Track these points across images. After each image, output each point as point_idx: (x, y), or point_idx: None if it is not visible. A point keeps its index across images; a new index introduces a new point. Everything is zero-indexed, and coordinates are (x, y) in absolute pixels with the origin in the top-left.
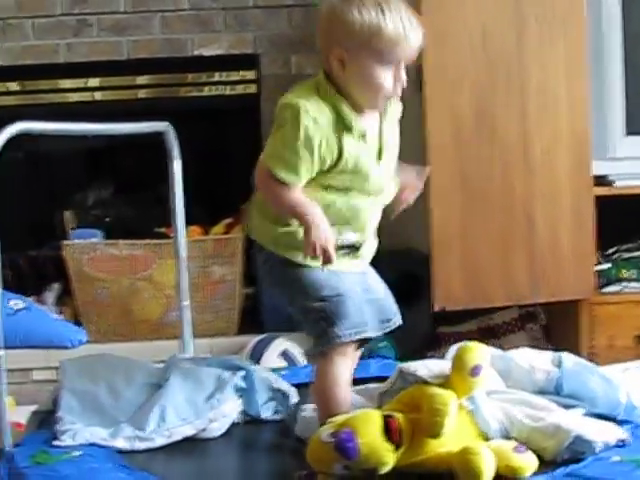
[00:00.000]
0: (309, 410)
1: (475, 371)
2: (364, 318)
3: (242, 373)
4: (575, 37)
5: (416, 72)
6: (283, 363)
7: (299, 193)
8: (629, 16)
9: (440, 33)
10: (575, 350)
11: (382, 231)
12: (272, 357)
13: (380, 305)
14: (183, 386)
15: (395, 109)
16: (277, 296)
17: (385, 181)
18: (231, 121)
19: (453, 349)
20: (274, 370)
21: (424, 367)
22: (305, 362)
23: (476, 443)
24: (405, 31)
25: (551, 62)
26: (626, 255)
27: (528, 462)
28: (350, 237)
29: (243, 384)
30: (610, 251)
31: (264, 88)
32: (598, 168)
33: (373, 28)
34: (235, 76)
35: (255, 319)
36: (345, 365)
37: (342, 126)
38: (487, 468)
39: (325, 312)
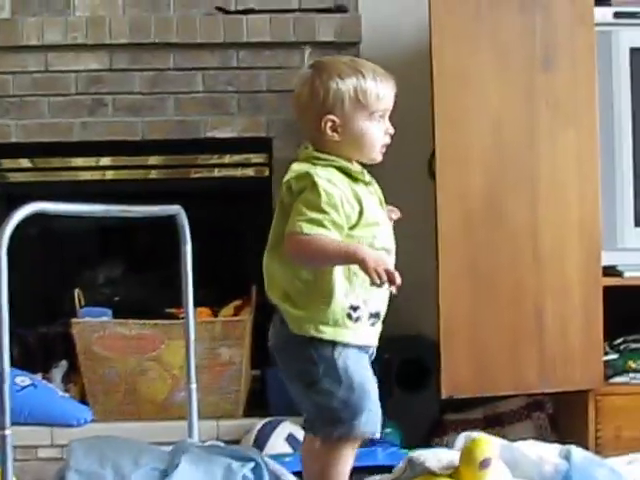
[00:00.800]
0: None
1: (484, 464)
2: (379, 413)
3: (251, 465)
4: (586, 126)
5: (428, 159)
6: (289, 447)
7: (331, 239)
8: None
9: (452, 120)
10: (582, 440)
11: (391, 316)
12: (278, 441)
13: None
14: (192, 474)
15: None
16: (294, 379)
17: (391, 233)
18: (242, 204)
19: (461, 438)
20: (279, 456)
21: (433, 458)
22: None
23: None
24: (384, 85)
25: (562, 150)
26: (634, 346)
27: None
28: (375, 306)
29: (252, 476)
30: (618, 341)
31: (276, 172)
32: (607, 258)
33: (359, 91)
34: (247, 159)
35: (261, 401)
36: (352, 457)
37: (351, 179)
38: None
39: (349, 403)
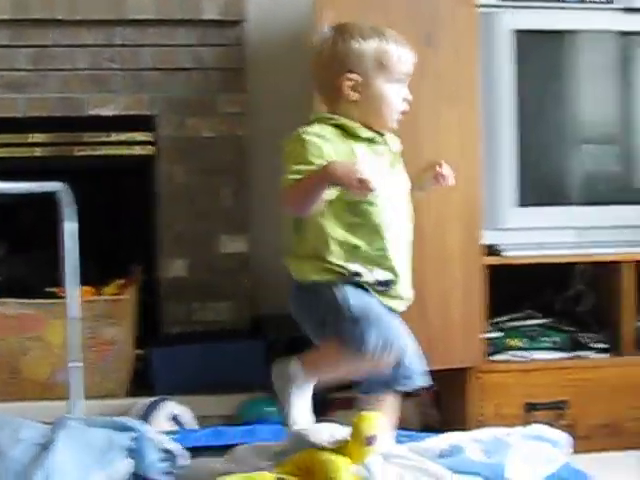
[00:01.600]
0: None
1: (370, 440)
2: (397, 332)
3: (132, 434)
4: (468, 105)
5: None
6: (173, 426)
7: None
8: (522, 88)
9: None
10: (463, 417)
11: (271, 296)
12: (162, 420)
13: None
14: (71, 448)
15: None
16: (312, 324)
17: (402, 200)
18: (126, 182)
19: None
20: (164, 433)
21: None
22: (196, 426)
23: None
24: (405, 50)
25: (445, 129)
26: (515, 324)
27: None
28: (383, 275)
29: (133, 445)
30: (499, 319)
31: (160, 149)
32: (489, 238)
33: (381, 51)
34: (131, 137)
35: (145, 381)
36: (356, 369)
37: (349, 136)
38: None
39: (355, 319)
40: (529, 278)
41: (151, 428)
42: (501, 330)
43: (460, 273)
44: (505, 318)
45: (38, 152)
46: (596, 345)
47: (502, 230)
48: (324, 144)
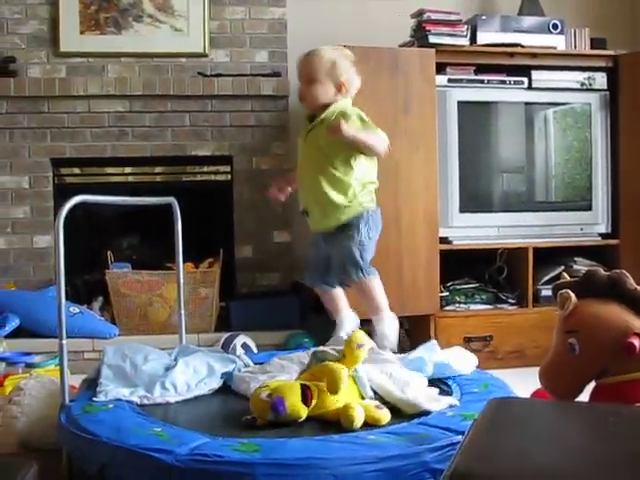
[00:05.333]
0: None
1: (359, 346)
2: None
3: (232, 365)
4: (429, 151)
5: None
6: (243, 350)
7: None
8: (463, 138)
9: None
10: None
11: (302, 271)
12: (237, 347)
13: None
14: (184, 370)
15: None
16: None
17: (306, 155)
18: (214, 198)
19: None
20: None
21: (329, 348)
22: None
23: (353, 401)
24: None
25: (415, 165)
26: (458, 287)
27: (384, 416)
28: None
29: (230, 370)
30: (448, 284)
31: (235, 177)
32: (442, 232)
33: None
34: (217, 169)
35: (226, 322)
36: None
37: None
38: (358, 418)
39: None
40: (468, 258)
41: (244, 356)
42: (449, 291)
43: (424, 254)
44: (452, 283)
45: (159, 178)
46: (510, 300)
47: (451, 227)
48: None
